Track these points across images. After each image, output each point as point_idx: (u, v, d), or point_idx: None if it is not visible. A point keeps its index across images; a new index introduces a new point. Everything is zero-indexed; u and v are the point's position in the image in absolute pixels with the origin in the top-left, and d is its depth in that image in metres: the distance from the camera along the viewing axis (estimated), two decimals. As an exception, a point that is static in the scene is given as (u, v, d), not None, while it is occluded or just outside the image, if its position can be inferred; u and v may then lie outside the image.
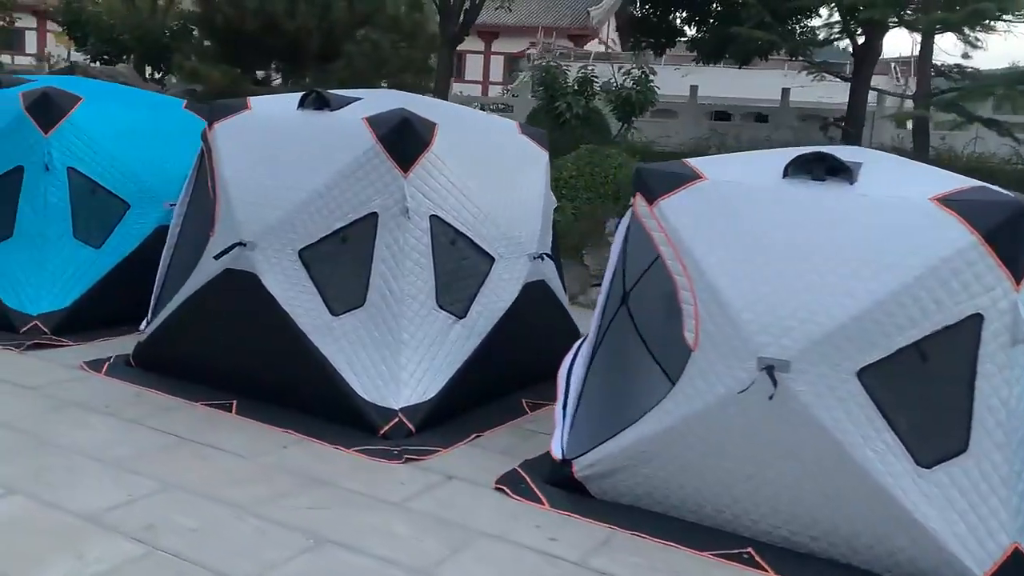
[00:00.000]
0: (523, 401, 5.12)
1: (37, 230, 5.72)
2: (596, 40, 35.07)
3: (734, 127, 19.01)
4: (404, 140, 4.61)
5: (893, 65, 22.82)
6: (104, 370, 5.16)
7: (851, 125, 13.11)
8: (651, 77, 13.43)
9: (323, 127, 4.81)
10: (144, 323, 5.33)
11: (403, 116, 4.62)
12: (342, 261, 4.63)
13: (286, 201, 4.69)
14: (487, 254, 4.93)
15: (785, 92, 18.81)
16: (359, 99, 5.04)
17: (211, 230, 4.89)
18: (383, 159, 4.58)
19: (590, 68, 14.06)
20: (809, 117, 17.87)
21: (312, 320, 4.57)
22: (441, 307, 4.66)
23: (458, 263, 4.76)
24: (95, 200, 5.88)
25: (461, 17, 15.32)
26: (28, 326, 5.62)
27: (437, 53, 14.80)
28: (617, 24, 35.78)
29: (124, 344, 5.52)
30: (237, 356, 4.79)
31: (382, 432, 4.39)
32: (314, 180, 4.66)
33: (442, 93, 14.39)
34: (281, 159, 4.81)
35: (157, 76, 17.32)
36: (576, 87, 13.36)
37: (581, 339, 4.52)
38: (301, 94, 5.14)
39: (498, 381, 5.02)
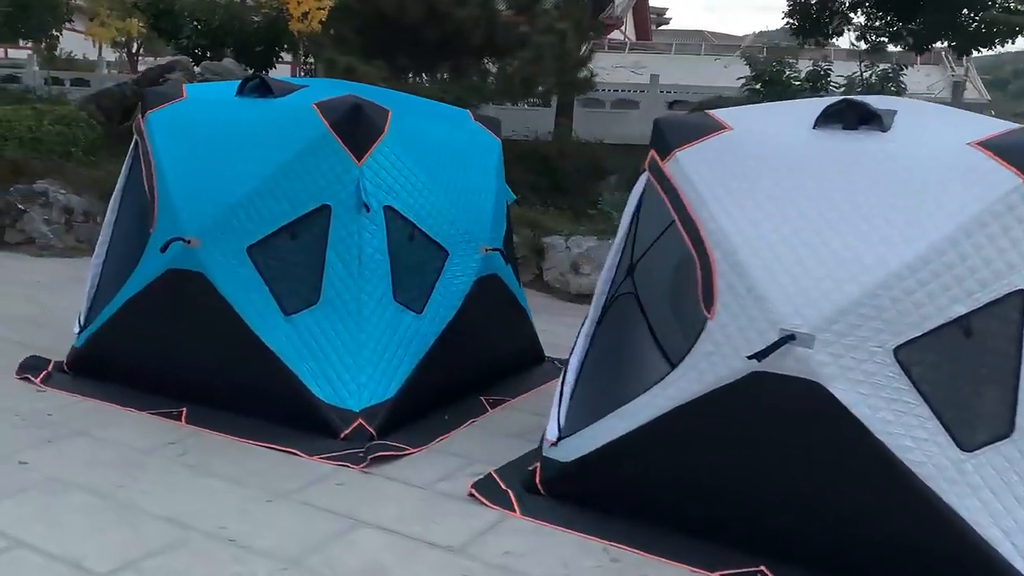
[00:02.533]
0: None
1: (351, 293, 4.29)
2: (618, 31, 34.58)
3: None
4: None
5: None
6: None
7: None
8: (902, 72, 11.99)
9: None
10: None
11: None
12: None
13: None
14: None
15: None
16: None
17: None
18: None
19: (820, 64, 12.21)
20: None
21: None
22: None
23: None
24: (413, 248, 4.56)
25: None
26: (351, 427, 4.21)
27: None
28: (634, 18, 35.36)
29: (486, 448, 4.27)
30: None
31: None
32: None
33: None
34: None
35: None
36: (809, 82, 11.48)
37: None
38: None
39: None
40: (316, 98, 4.53)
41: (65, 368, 4.92)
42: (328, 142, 4.35)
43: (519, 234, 7.40)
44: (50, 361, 5.00)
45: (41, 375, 4.85)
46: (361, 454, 4.04)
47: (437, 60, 11.41)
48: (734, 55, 15.48)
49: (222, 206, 4.41)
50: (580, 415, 3.77)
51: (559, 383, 3.94)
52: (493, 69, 11.22)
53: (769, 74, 10.58)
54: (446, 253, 4.75)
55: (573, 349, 3.97)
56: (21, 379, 4.83)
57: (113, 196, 5.10)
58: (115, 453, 3.95)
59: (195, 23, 15.39)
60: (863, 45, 14.29)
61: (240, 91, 4.74)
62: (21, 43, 15.40)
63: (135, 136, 4.94)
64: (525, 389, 5.23)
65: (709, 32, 41.02)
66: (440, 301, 4.66)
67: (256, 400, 4.34)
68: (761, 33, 33.06)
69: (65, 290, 7.00)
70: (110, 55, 27.67)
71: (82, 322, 4.98)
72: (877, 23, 14.22)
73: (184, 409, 4.43)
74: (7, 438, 4.05)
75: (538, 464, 3.81)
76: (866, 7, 14.08)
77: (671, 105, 15.81)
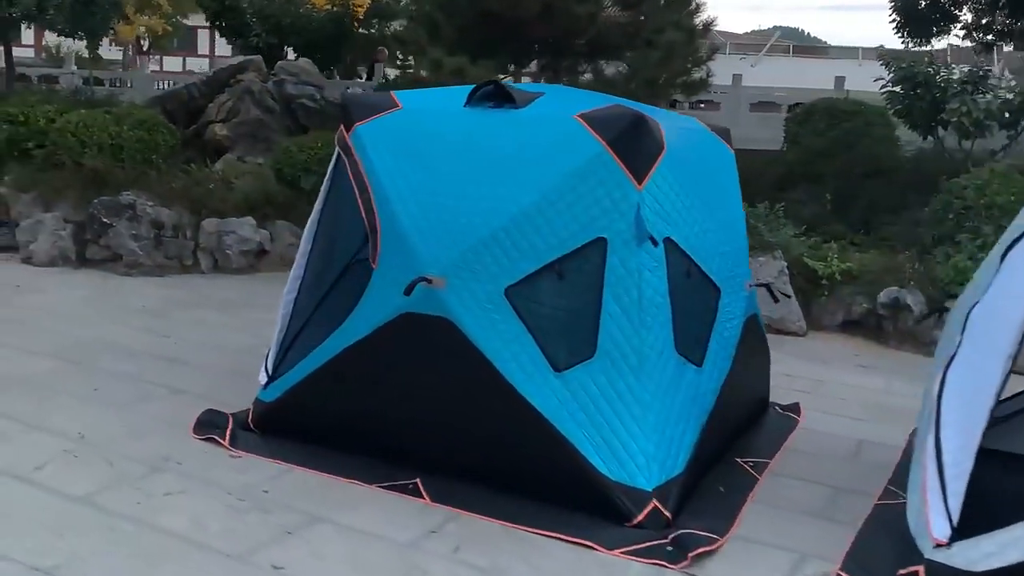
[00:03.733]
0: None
1: (632, 344, 3.55)
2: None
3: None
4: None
5: None
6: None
7: None
8: None
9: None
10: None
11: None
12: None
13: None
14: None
15: None
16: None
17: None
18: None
19: (978, 65, 10.88)
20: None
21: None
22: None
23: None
24: (690, 287, 3.84)
25: None
26: (645, 511, 3.43)
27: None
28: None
29: (798, 534, 3.56)
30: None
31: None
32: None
33: None
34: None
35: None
36: (969, 83, 9.83)
37: None
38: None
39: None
40: (569, 109, 3.80)
41: (250, 425, 4.18)
42: (604, 163, 3.61)
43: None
44: (228, 416, 4.25)
45: (227, 435, 4.11)
46: (669, 548, 3.29)
47: (542, 59, 10.59)
48: (760, 55, 14.56)
49: (471, 239, 3.66)
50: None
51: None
52: (606, 69, 10.40)
53: (923, 76, 9.63)
54: (719, 291, 4.01)
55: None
56: (203, 439, 4.09)
57: (309, 222, 4.36)
58: (380, 551, 3.21)
59: (258, 19, 14.52)
60: (968, 43, 13.43)
61: (470, 100, 4.00)
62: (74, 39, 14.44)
63: (337, 152, 4.20)
64: (774, 446, 4.47)
65: (716, 31, 39.95)
66: (716, 350, 3.93)
67: (517, 472, 3.60)
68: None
69: (177, 318, 6.33)
70: (114, 53, 26.90)
71: (270, 371, 4.24)
72: (984, 20, 13.39)
73: (418, 480, 3.69)
74: (236, 528, 3.31)
75: (921, 568, 3.07)
76: (974, 4, 13.21)
77: (753, 106, 14.92)
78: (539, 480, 3.56)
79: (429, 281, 3.64)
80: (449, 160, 3.85)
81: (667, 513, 3.44)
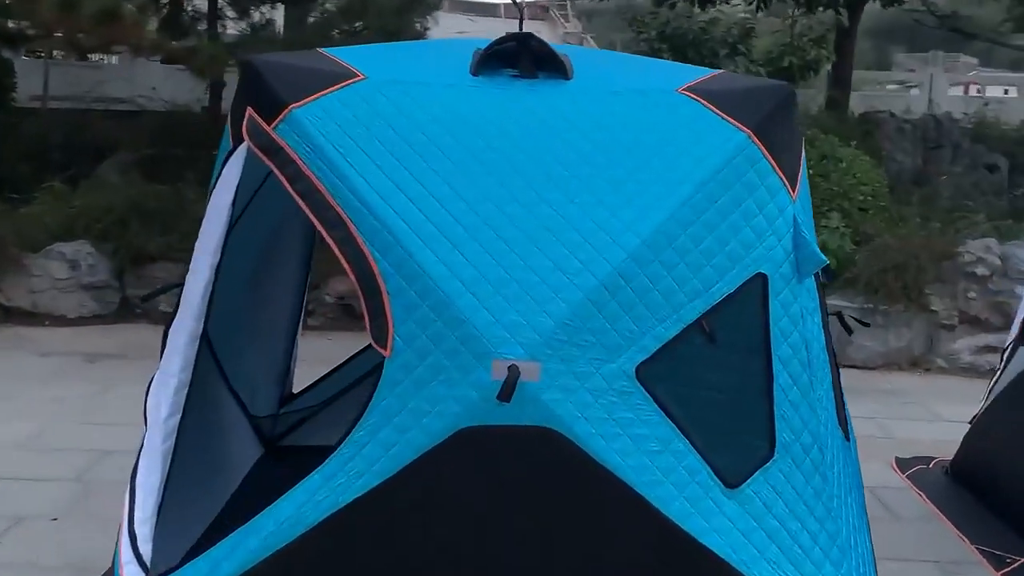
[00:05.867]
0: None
1: (810, 428, 2.41)
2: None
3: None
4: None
5: None
6: None
7: None
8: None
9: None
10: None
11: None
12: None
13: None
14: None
15: None
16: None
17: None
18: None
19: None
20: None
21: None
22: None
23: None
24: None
25: None
26: None
27: None
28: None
29: None
30: None
31: None
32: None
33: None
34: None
35: None
36: (733, 46, 8.92)
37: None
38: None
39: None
40: (639, 78, 2.52)
41: None
42: (751, 160, 2.38)
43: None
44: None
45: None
46: None
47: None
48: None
49: (570, 293, 2.23)
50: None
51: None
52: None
53: (693, 35, 8.57)
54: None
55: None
56: None
57: (192, 283, 2.53)
58: None
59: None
60: None
61: (481, 64, 2.51)
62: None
63: (235, 156, 2.47)
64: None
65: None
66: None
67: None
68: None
69: None
70: None
71: (146, 557, 2.42)
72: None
73: None
74: None
75: None
76: None
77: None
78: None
79: (510, 372, 2.16)
80: (493, 166, 2.34)
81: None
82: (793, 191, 2.45)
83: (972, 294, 6.24)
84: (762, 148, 2.38)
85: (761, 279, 2.37)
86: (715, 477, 2.28)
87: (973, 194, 9.93)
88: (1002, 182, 11.02)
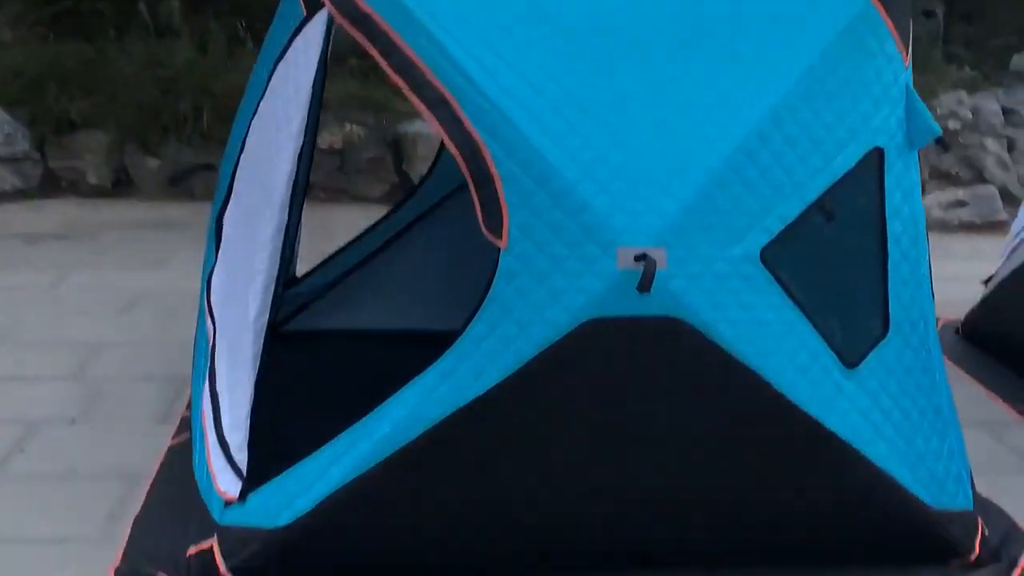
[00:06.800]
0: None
1: (918, 306, 2.36)
2: None
3: None
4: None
5: None
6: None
7: None
8: None
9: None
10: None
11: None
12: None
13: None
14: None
15: None
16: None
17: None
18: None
19: None
20: None
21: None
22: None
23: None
24: None
25: None
26: (978, 539, 2.36)
27: None
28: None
29: None
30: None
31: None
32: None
33: None
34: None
35: None
36: None
37: None
38: None
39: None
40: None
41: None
42: (872, 24, 2.24)
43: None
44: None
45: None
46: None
47: None
48: None
49: (693, 172, 2.08)
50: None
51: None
52: None
53: None
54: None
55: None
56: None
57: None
58: None
59: None
60: None
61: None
62: None
63: (310, 15, 2.21)
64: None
65: None
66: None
67: (792, 542, 2.28)
68: None
69: None
70: None
71: (242, 467, 2.26)
72: None
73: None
74: None
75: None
76: None
77: None
78: (816, 524, 2.28)
79: (643, 258, 2.03)
80: (603, 37, 2.15)
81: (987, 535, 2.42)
82: (906, 56, 2.32)
83: (942, 149, 6.30)
84: (882, 11, 2.25)
85: (878, 153, 2.27)
86: (836, 359, 2.23)
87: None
88: (938, 29, 11.05)
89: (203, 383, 2.47)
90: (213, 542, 2.20)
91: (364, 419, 2.12)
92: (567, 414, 2.13)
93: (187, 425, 3.06)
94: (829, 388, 2.21)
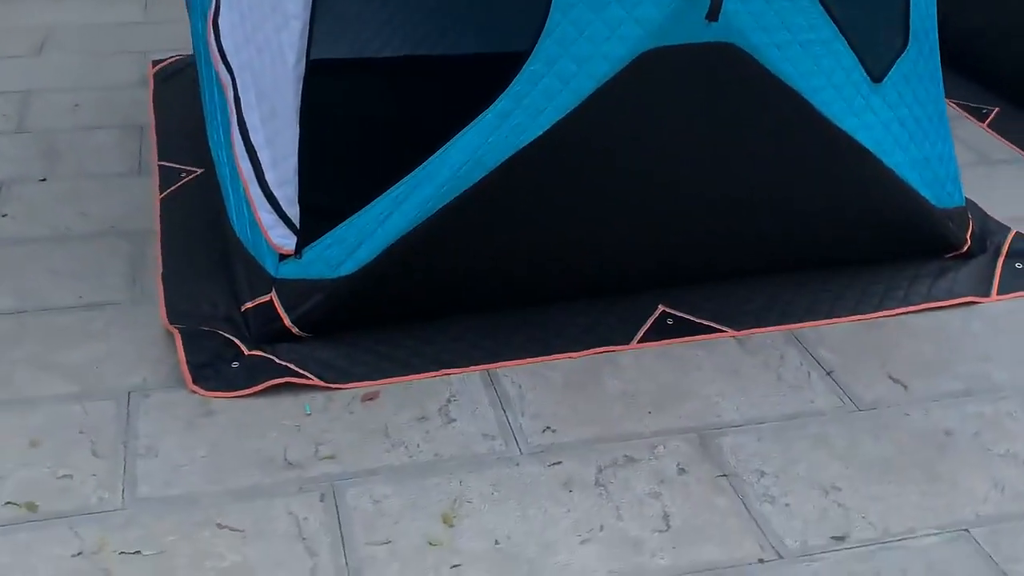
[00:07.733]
0: None
1: (930, 12, 2.44)
2: None
3: None
4: None
5: None
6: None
7: None
8: None
9: None
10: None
11: None
12: None
13: None
14: None
15: None
16: None
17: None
18: None
19: None
20: None
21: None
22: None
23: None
24: None
25: None
26: (968, 233, 2.63)
27: None
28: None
29: None
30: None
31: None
32: None
33: None
34: None
35: None
36: None
37: None
38: None
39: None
40: None
41: (293, 330, 2.23)
42: None
43: None
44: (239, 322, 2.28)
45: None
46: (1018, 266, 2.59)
47: None
48: None
49: None
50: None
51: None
52: None
53: None
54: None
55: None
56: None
57: None
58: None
59: None
60: None
61: None
62: None
63: None
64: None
65: None
66: None
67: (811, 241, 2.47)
68: None
69: None
70: None
71: (295, 220, 2.21)
72: None
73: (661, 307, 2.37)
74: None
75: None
76: None
77: None
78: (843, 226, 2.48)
79: (702, -12, 2.00)
80: None
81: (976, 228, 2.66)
82: None
83: None
84: None
85: None
86: (865, 75, 2.30)
87: None
88: None
89: (227, 136, 2.35)
90: (272, 296, 2.21)
91: (422, 166, 2.10)
92: (624, 146, 2.16)
93: (175, 176, 2.97)
94: (859, 104, 2.31)
